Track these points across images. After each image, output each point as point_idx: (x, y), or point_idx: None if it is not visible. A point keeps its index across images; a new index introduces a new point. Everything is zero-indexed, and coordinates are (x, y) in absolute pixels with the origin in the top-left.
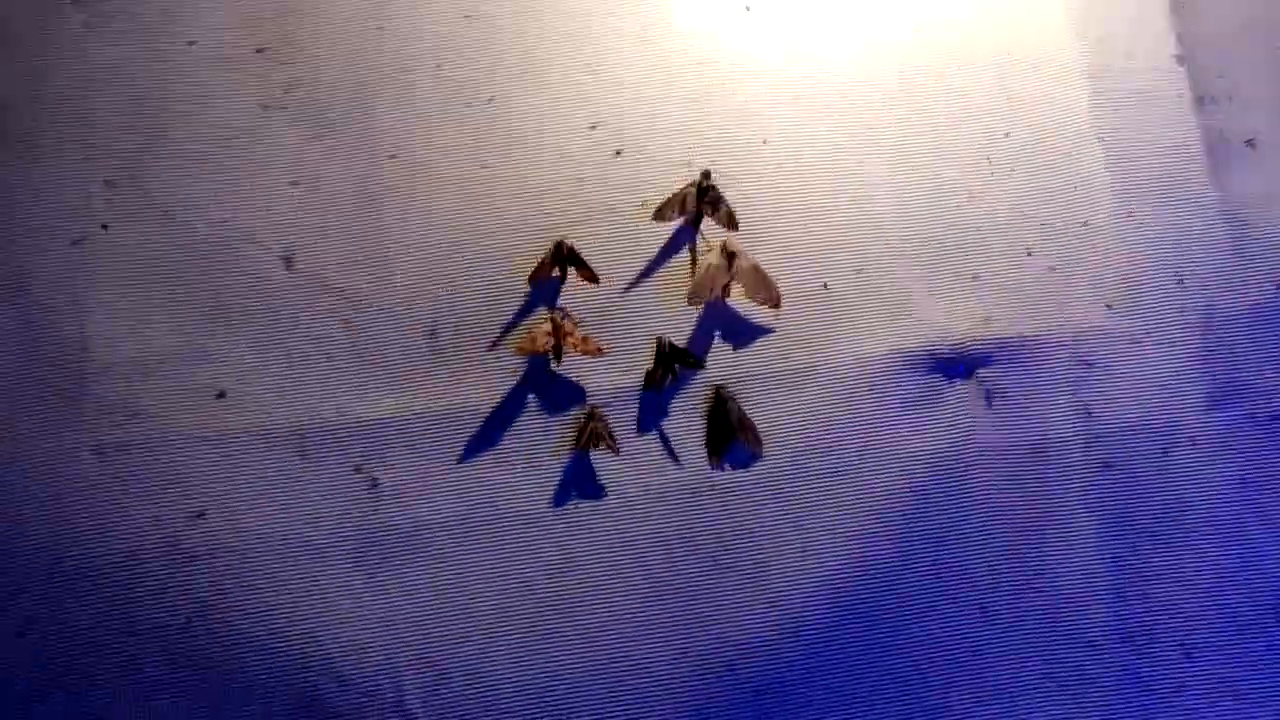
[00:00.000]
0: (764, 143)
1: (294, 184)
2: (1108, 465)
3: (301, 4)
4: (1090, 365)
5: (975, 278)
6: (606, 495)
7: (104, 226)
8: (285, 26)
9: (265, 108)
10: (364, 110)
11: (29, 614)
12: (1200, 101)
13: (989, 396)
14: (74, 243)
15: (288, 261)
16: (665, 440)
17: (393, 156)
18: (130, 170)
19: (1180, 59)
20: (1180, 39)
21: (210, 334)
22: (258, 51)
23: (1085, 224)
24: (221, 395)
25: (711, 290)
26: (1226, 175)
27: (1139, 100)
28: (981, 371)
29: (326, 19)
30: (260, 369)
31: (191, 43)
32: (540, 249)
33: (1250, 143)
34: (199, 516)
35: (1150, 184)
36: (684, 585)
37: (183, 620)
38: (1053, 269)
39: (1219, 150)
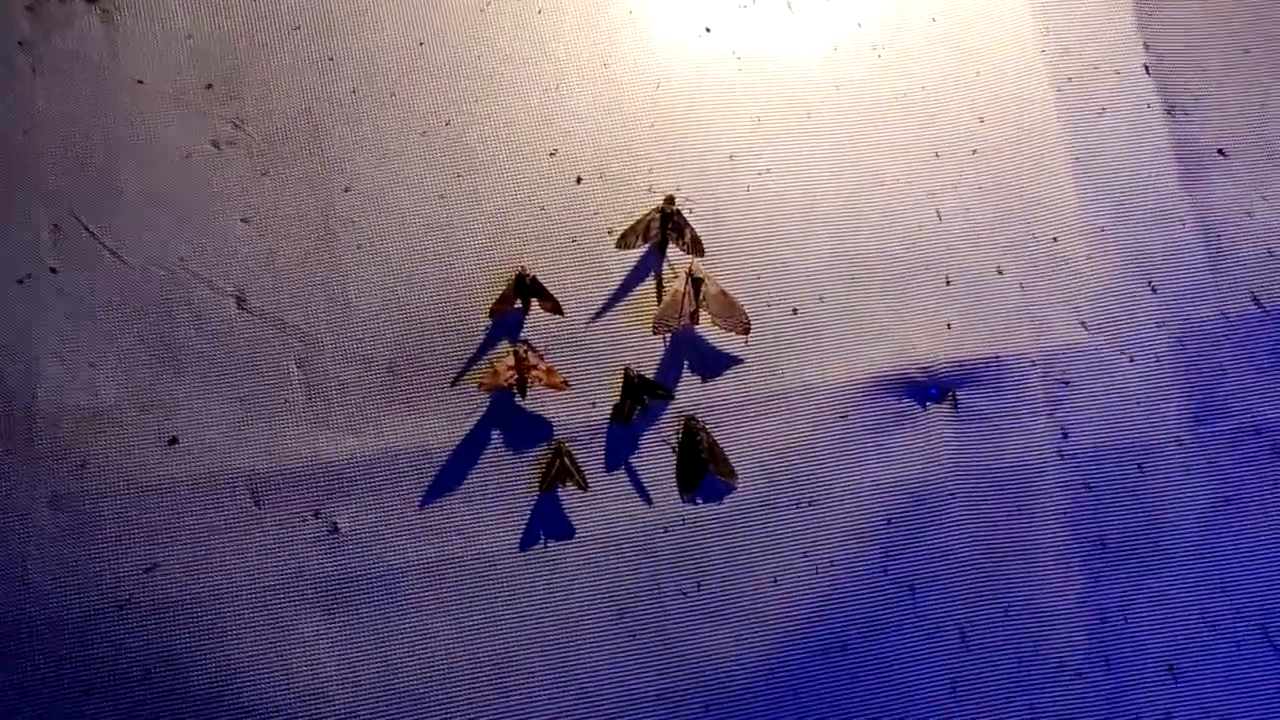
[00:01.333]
0: (729, 165)
1: (245, 221)
2: (1087, 486)
3: (250, 38)
4: (1066, 384)
5: (946, 298)
6: (576, 533)
7: (52, 270)
8: (234, 61)
9: (215, 144)
10: (316, 143)
11: None
12: (1170, 111)
13: (963, 419)
14: (20, 284)
15: (239, 300)
16: (635, 474)
17: (347, 189)
18: (78, 211)
19: (1148, 68)
20: (1148, 48)
21: (160, 378)
22: (207, 88)
23: (1056, 240)
24: (174, 441)
25: (679, 318)
26: (1198, 185)
27: (1107, 112)
28: (955, 394)
29: (275, 52)
30: (213, 413)
31: (140, 81)
32: (501, 280)
33: (1221, 151)
34: (153, 568)
35: (1121, 197)
36: (658, 624)
37: (139, 675)
38: (1024, 287)
39: (1190, 160)
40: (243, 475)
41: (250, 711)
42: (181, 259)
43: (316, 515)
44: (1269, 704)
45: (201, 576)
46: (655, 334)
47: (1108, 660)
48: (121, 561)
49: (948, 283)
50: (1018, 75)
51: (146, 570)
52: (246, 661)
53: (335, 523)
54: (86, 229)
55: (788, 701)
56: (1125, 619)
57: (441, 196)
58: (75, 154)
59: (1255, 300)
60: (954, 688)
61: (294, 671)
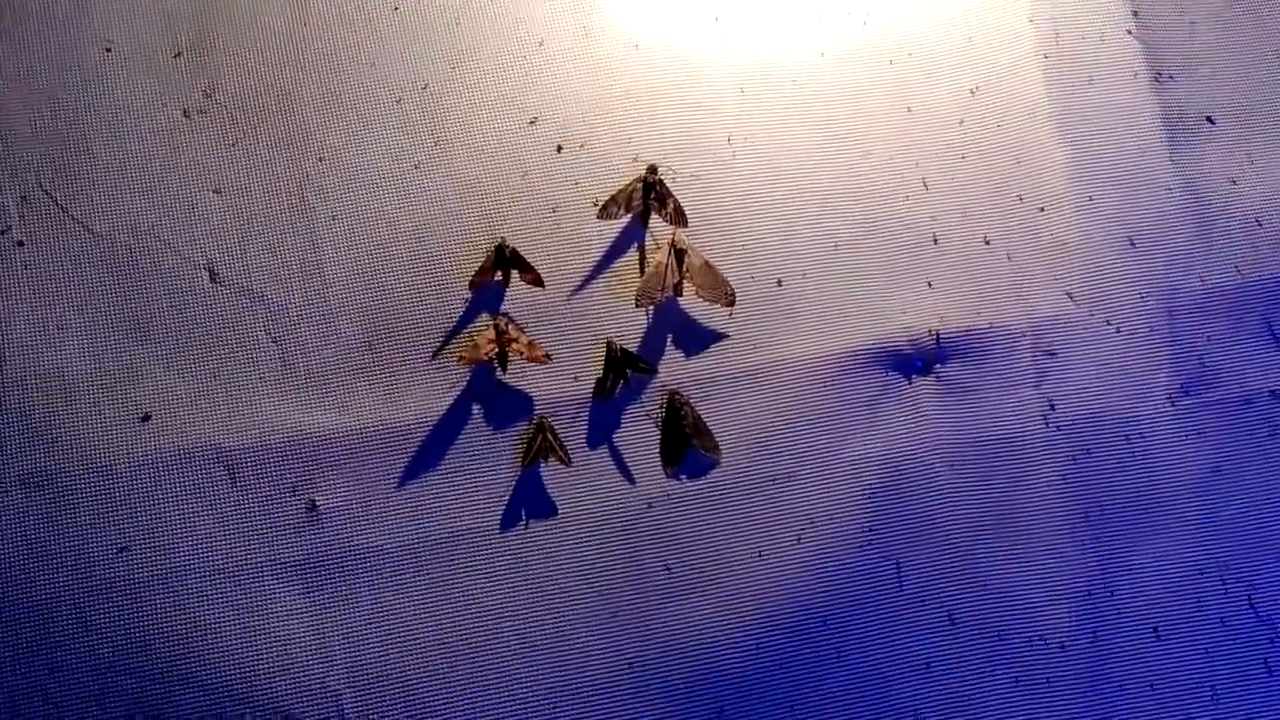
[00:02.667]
0: (713, 134)
1: (217, 192)
2: (1073, 458)
3: (222, 3)
4: (1053, 355)
5: (932, 270)
6: (558, 510)
7: (19, 243)
8: (204, 27)
9: (186, 113)
10: (289, 112)
11: None
12: (1158, 78)
13: (949, 392)
14: None
15: (212, 273)
16: (618, 450)
17: (321, 159)
18: (45, 182)
19: (1135, 35)
20: (1135, 15)
21: (132, 353)
22: (175, 56)
23: (1043, 210)
24: (146, 418)
25: (662, 290)
26: (1186, 153)
27: (1095, 80)
28: (941, 367)
29: (248, 17)
30: (186, 389)
31: (108, 49)
32: (480, 251)
33: (1209, 118)
34: (125, 549)
35: (1108, 166)
36: (641, 600)
37: (109, 657)
38: (1011, 258)
39: (1178, 128)
40: (217, 452)
41: (224, 692)
42: (152, 230)
43: (293, 493)
44: (1254, 674)
45: (175, 556)
46: (638, 306)
47: (1094, 633)
48: (94, 540)
49: (934, 254)
50: (1005, 43)
51: (120, 550)
52: (221, 641)
53: (313, 500)
54: (54, 200)
55: (771, 676)
56: (1110, 591)
57: (418, 166)
58: (41, 121)
59: (1241, 270)
60: (938, 661)
61: (270, 651)
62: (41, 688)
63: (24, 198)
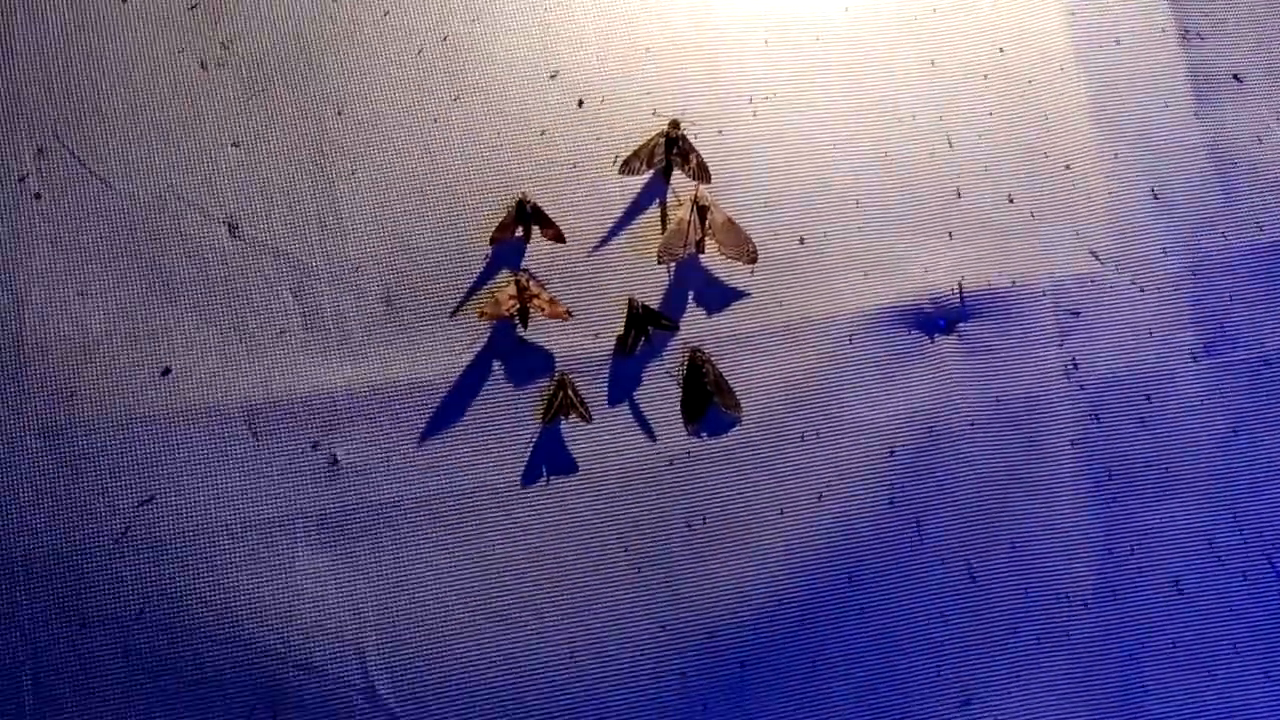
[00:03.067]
0: (736, 89)
1: (236, 145)
2: (1096, 417)
3: None
4: (1076, 315)
5: (955, 227)
6: (578, 466)
7: (37, 195)
8: None
9: (203, 65)
10: (308, 64)
11: None
12: (1185, 36)
13: (972, 351)
14: (5, 214)
15: (232, 228)
16: (639, 407)
17: (340, 112)
18: (62, 136)
19: None
20: None
21: (152, 307)
22: (192, 8)
23: (1068, 168)
24: (166, 372)
25: (684, 246)
26: (1213, 112)
27: (1121, 37)
28: (963, 325)
29: None
30: (206, 343)
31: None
32: (501, 207)
33: (1237, 77)
34: (148, 501)
35: (1134, 124)
36: (661, 556)
37: (136, 611)
38: (1035, 216)
39: (1204, 86)
40: (238, 406)
41: (247, 644)
42: (170, 185)
43: (315, 447)
44: (1275, 630)
45: (198, 509)
46: (660, 263)
47: (1115, 591)
48: (116, 493)
49: (958, 211)
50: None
51: (142, 503)
52: (244, 594)
53: (334, 454)
54: (71, 153)
55: (793, 633)
56: (1132, 549)
57: (438, 120)
58: (57, 76)
59: (1265, 229)
60: (959, 619)
61: (291, 604)
62: (70, 640)
63: (41, 150)
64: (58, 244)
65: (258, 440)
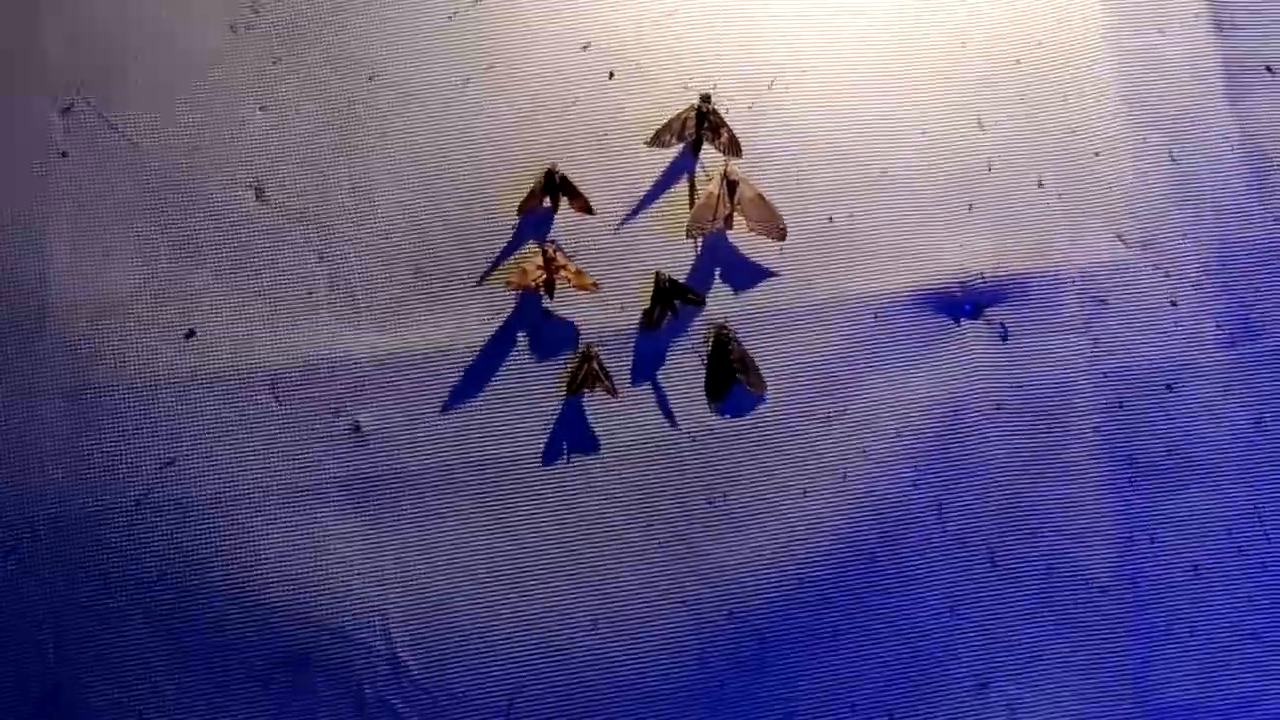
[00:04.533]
0: (769, 64)
1: (263, 109)
2: (1119, 404)
3: None
4: (1103, 302)
5: (984, 211)
6: (602, 439)
7: (63, 154)
8: None
9: (233, 29)
10: (338, 28)
11: None
12: (1218, 26)
13: (998, 335)
14: (31, 173)
15: (259, 192)
16: (663, 382)
17: (370, 78)
18: (89, 96)
19: None
20: None
21: (177, 270)
22: None
23: (1097, 154)
24: (190, 335)
25: (712, 221)
26: (1244, 102)
27: (1154, 25)
28: (990, 309)
29: None
30: (231, 307)
31: None
32: (529, 176)
33: (1269, 68)
34: (170, 464)
35: (1165, 112)
36: (683, 531)
37: (157, 574)
38: (1063, 200)
39: (1237, 76)
40: (262, 371)
41: (268, 608)
42: (197, 147)
43: (337, 414)
44: None
45: (219, 473)
46: (688, 237)
47: (1134, 578)
48: (138, 456)
49: (987, 195)
50: None
51: (164, 465)
52: (264, 558)
53: (357, 421)
54: (99, 114)
55: (813, 611)
56: (1152, 537)
57: (469, 89)
58: (86, 35)
59: None
60: (979, 602)
61: (312, 569)
62: (90, 601)
63: (68, 109)
64: (83, 204)
65: (281, 405)
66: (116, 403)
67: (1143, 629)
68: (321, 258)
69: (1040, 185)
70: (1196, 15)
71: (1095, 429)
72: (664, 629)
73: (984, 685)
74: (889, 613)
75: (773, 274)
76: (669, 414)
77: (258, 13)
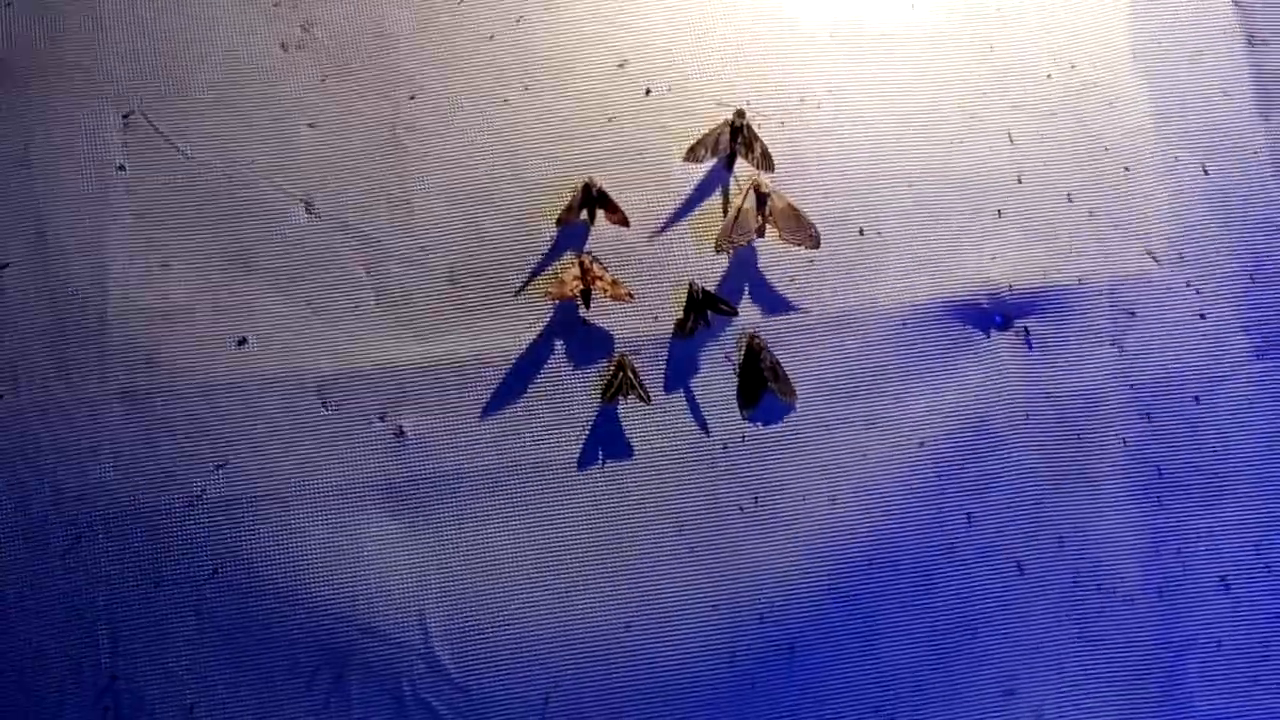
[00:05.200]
0: (801, 80)
1: (313, 126)
2: (1147, 417)
3: None
4: (1132, 315)
5: (1013, 224)
6: (636, 446)
7: (120, 167)
8: None
9: (284, 47)
10: (384, 49)
11: (55, 564)
12: (1250, 40)
13: (1027, 346)
14: (91, 185)
15: (308, 205)
16: (696, 390)
17: (413, 96)
18: (146, 111)
19: None
20: None
21: (230, 279)
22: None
23: (1127, 169)
24: (242, 342)
25: (742, 235)
26: (1275, 117)
27: (1186, 40)
28: (1020, 321)
29: None
30: (281, 315)
31: None
32: (567, 190)
33: None
34: (222, 465)
35: (1196, 127)
36: (715, 537)
37: (209, 572)
38: (1093, 215)
39: (1268, 91)
40: (311, 377)
41: (314, 607)
42: (250, 162)
43: (382, 419)
44: None
45: (269, 475)
46: (719, 251)
47: (1160, 590)
48: (191, 458)
49: (1016, 208)
50: (1096, 0)
51: (217, 467)
52: (311, 558)
53: (401, 426)
54: (155, 129)
55: (842, 616)
56: (1179, 549)
57: (509, 105)
58: (144, 53)
59: None
60: (1005, 610)
61: (357, 570)
62: (145, 598)
63: (126, 124)
64: (141, 216)
65: (328, 410)
66: (172, 406)
67: (1169, 640)
68: (368, 269)
69: (1070, 200)
70: (1226, 32)
71: (1123, 441)
72: (696, 631)
73: (1010, 692)
74: (916, 619)
75: (804, 285)
76: (701, 422)
77: (308, 32)
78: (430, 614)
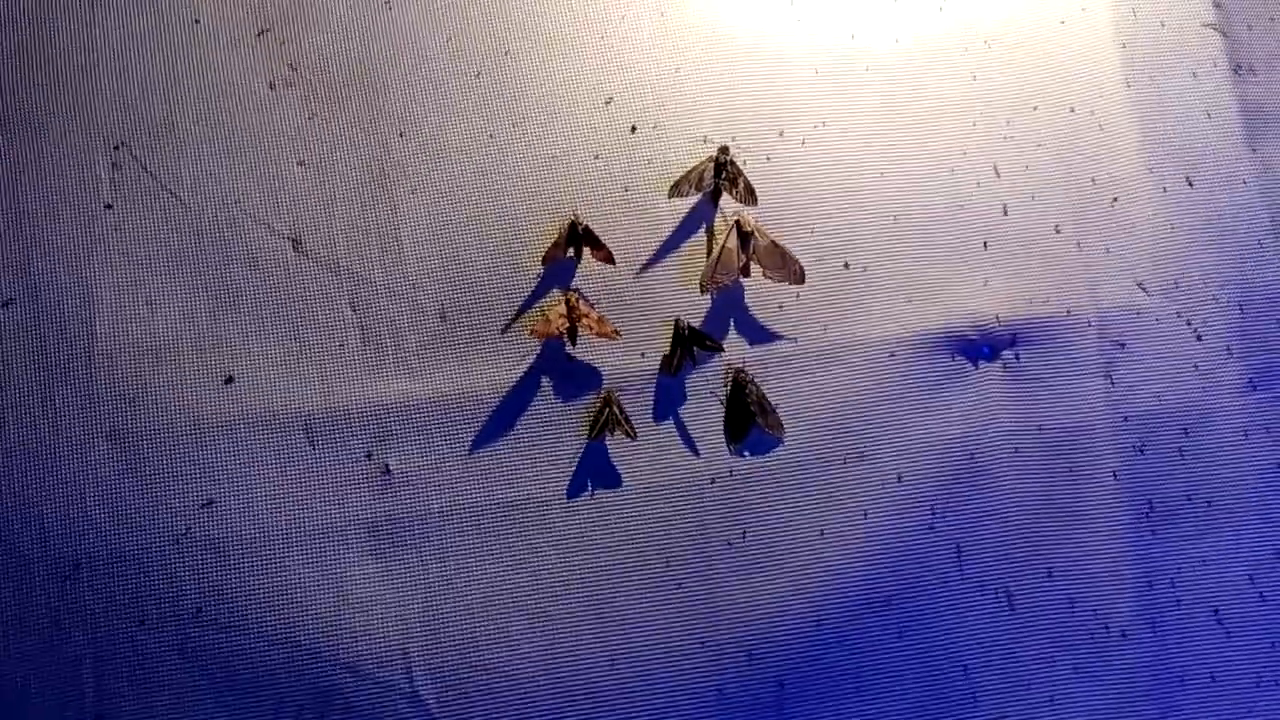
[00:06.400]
0: (786, 116)
1: (301, 164)
2: (1138, 449)
3: None
4: (1121, 346)
5: (1000, 256)
6: (623, 482)
7: (107, 206)
8: (292, 6)
9: (272, 86)
10: (372, 87)
11: (41, 603)
12: (1237, 70)
13: (1016, 379)
14: (79, 223)
15: (295, 243)
16: (683, 425)
17: (401, 134)
18: (135, 150)
19: (1215, 27)
20: (1216, 6)
21: (217, 317)
22: (263, 31)
23: (1115, 200)
24: (229, 380)
25: (727, 275)
26: (1263, 147)
27: (1173, 71)
28: (1007, 353)
29: None
30: (268, 353)
31: (196, 21)
32: (554, 227)
33: None
34: (208, 504)
35: (1184, 158)
36: (702, 573)
37: (194, 610)
38: (1081, 247)
39: (1256, 121)
40: (297, 415)
41: (299, 646)
42: (238, 200)
43: (369, 457)
44: None
45: (255, 513)
46: (703, 292)
47: (1154, 623)
48: (178, 496)
49: (1004, 240)
50: (1083, 31)
51: (202, 506)
52: (297, 597)
53: (387, 464)
54: (144, 168)
55: (831, 652)
56: (1172, 581)
57: (495, 143)
58: (132, 92)
59: None
60: (997, 645)
61: (342, 609)
62: (130, 637)
63: (115, 164)
64: (129, 255)
65: (314, 448)
66: (158, 446)
67: (1163, 674)
68: (354, 307)
69: (1058, 231)
70: (1214, 62)
71: (1114, 473)
72: (683, 668)
73: None
74: (907, 654)
75: (790, 318)
76: (689, 457)
77: (296, 71)
78: (415, 652)
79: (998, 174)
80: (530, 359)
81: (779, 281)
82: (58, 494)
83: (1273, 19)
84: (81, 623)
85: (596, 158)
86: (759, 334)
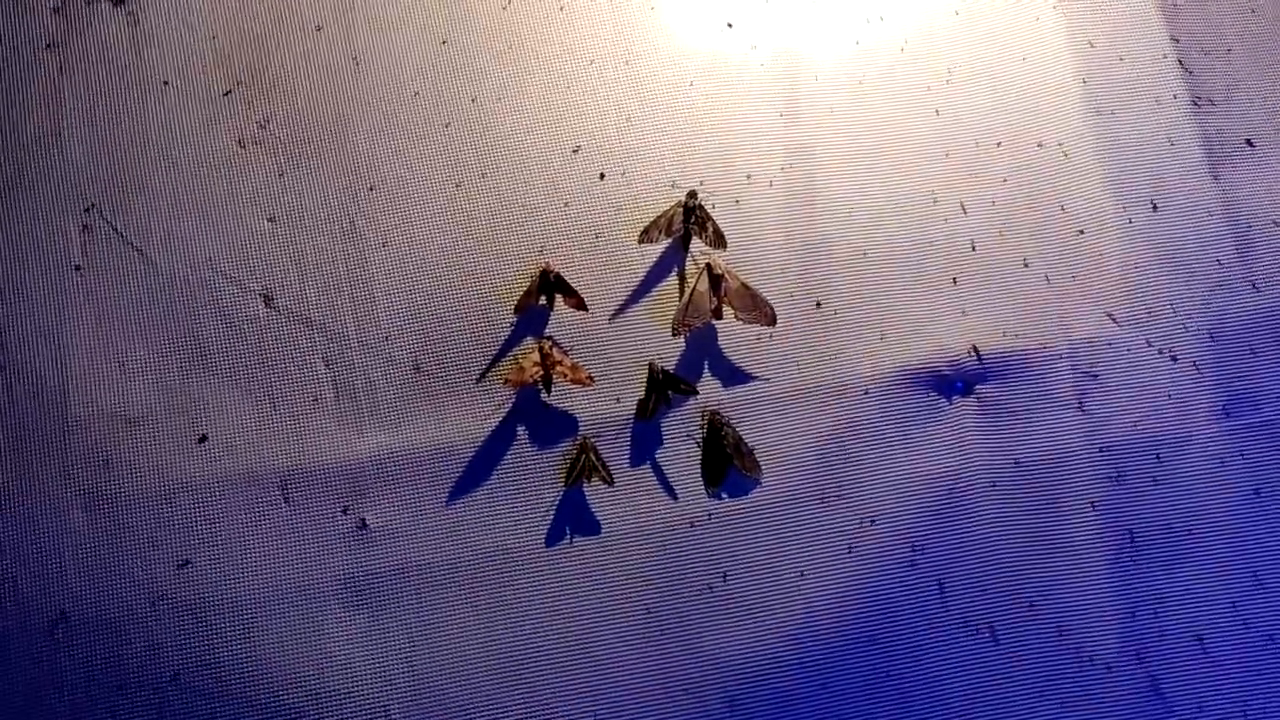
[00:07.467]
0: (752, 160)
1: (271, 220)
2: (1115, 479)
3: (274, 39)
4: (1094, 377)
5: (970, 291)
6: (601, 529)
7: (77, 268)
8: (258, 62)
9: (241, 144)
10: (341, 142)
11: (18, 669)
12: (1197, 102)
13: (991, 413)
14: (50, 286)
15: (267, 299)
16: (660, 470)
17: (371, 188)
18: (106, 212)
19: (1174, 59)
20: (1174, 40)
21: (189, 377)
22: (231, 90)
23: (1082, 232)
24: (203, 440)
25: (698, 317)
26: (1226, 176)
27: (1134, 104)
28: (981, 387)
29: (301, 54)
30: (241, 411)
31: (165, 82)
32: (525, 276)
33: (1249, 142)
34: (185, 565)
35: (1148, 189)
36: (683, 618)
37: (171, 673)
38: (1050, 279)
39: (1218, 151)
40: (272, 472)
41: (278, 708)
42: (209, 259)
43: (345, 512)
44: None
45: (232, 573)
46: (675, 335)
47: (1138, 653)
48: (154, 559)
49: (973, 276)
50: (1044, 67)
51: (179, 567)
52: (275, 657)
53: (364, 519)
54: (114, 229)
55: (815, 695)
56: (1155, 612)
57: (465, 194)
58: (102, 155)
59: None
60: (982, 682)
61: (321, 667)
62: (108, 703)
63: (85, 226)
64: (100, 317)
65: (290, 506)
66: (133, 509)
67: (1148, 705)
68: (327, 362)
69: (1026, 265)
70: (1175, 95)
71: (1093, 504)
72: (667, 716)
73: None
74: (892, 694)
75: (764, 360)
76: (667, 501)
77: (264, 128)
78: (395, 710)
79: (964, 210)
80: (505, 408)
81: (751, 323)
82: (34, 560)
83: (1229, 50)
84: (60, 688)
85: (566, 205)
86: (733, 376)
